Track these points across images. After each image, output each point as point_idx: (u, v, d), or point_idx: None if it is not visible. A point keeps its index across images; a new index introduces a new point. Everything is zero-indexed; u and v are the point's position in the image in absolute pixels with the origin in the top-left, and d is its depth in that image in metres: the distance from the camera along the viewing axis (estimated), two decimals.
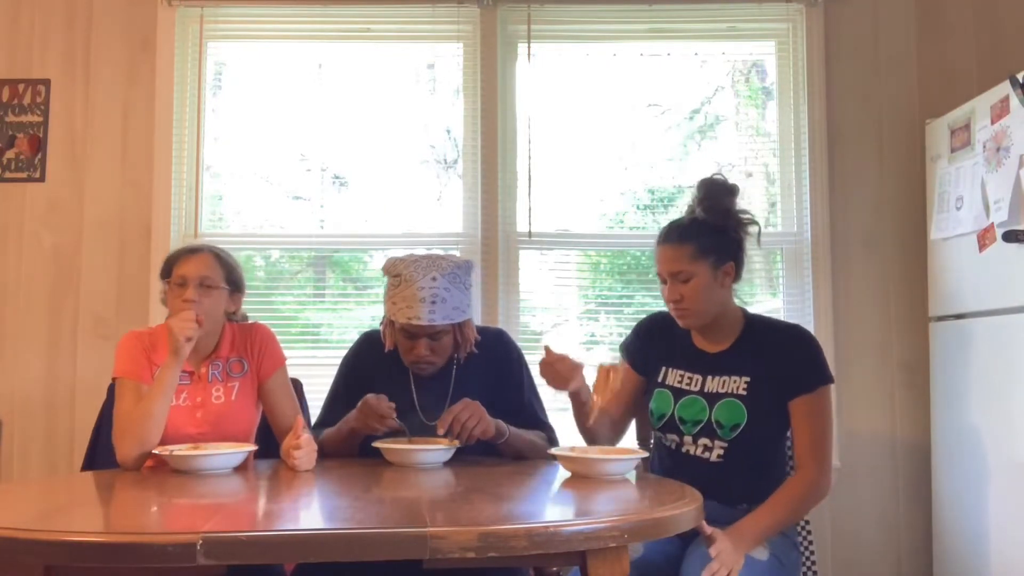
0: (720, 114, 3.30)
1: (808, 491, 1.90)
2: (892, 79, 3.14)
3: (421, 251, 2.20)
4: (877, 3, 3.16)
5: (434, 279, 2.06)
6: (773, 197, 3.21)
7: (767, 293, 3.23)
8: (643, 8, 3.16)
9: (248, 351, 2.17)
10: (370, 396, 2.02)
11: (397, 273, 2.10)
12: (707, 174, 2.08)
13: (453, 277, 2.09)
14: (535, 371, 2.32)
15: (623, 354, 2.19)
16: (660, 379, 2.07)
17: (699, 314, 1.98)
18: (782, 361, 1.94)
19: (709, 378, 2.00)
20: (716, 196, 2.02)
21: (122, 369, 2.08)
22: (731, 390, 1.96)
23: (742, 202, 2.06)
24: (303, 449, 1.92)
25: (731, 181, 2.06)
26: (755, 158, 3.25)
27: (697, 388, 2.00)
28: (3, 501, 1.57)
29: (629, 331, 2.22)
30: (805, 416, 1.92)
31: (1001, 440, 2.51)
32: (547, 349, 1.98)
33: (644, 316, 2.22)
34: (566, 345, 3.17)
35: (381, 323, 2.21)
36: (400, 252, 2.31)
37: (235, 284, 2.16)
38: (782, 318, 3.06)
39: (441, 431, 1.99)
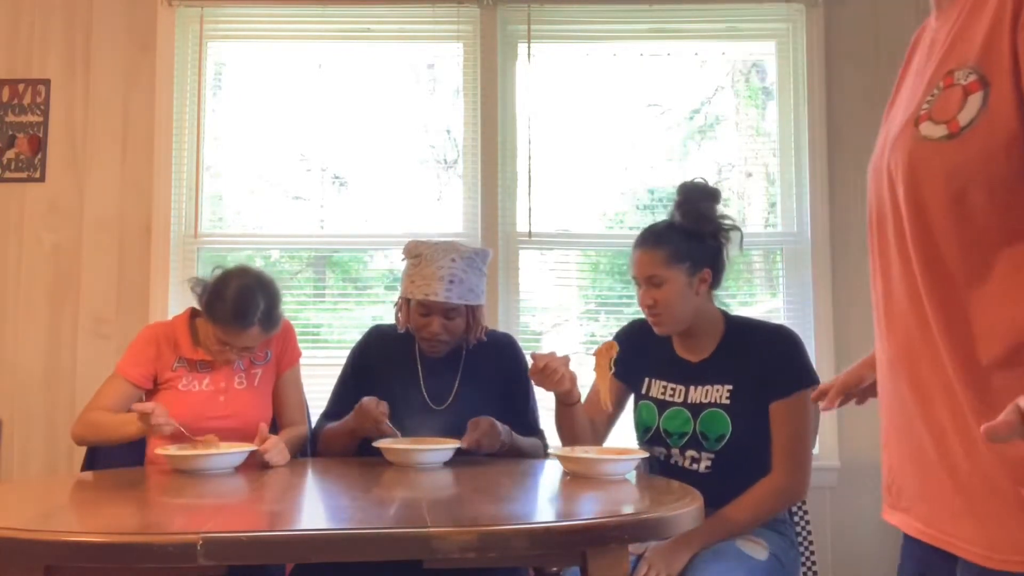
0: (720, 114, 3.30)
1: (773, 496, 1.89)
2: (892, 79, 3.11)
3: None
4: (877, 3, 3.16)
5: (453, 260, 2.13)
6: (773, 197, 3.21)
7: (767, 293, 3.23)
8: (643, 8, 3.16)
9: (274, 341, 2.24)
10: (366, 399, 2.04)
11: (418, 253, 2.16)
12: (691, 178, 2.04)
13: (470, 261, 2.16)
14: None
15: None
16: (644, 391, 2.05)
17: (673, 320, 1.96)
18: (762, 364, 1.92)
19: (692, 388, 1.98)
20: (694, 200, 1.98)
21: (123, 366, 2.16)
22: (714, 400, 1.94)
23: (740, 203, 2.05)
24: (270, 451, 1.99)
25: (713, 186, 2.01)
26: (755, 158, 3.25)
27: (680, 399, 1.98)
28: (3, 501, 1.57)
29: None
30: (781, 420, 1.90)
31: None
32: (533, 356, 1.95)
33: (624, 325, 2.20)
34: (565, 344, 3.17)
35: (396, 304, 2.25)
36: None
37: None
38: (782, 318, 3.09)
39: (464, 445, 2.01)
